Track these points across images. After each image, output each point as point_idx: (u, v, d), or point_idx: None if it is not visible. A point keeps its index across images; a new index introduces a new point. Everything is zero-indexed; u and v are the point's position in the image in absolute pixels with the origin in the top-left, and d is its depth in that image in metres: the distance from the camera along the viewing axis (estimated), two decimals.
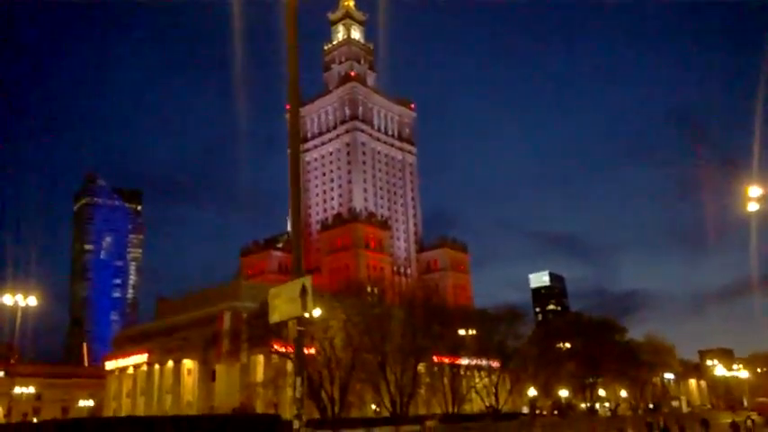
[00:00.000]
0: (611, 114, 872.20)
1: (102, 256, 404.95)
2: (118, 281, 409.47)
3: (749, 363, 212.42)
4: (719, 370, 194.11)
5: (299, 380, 12.99)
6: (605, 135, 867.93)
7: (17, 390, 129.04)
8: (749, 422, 64.54)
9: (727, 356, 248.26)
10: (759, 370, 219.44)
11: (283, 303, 13.86)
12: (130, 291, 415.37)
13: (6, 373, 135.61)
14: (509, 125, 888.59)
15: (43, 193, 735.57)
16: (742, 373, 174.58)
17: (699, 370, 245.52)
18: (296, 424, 12.79)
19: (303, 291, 13.36)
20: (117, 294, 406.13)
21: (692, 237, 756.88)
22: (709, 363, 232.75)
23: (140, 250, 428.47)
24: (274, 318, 14.19)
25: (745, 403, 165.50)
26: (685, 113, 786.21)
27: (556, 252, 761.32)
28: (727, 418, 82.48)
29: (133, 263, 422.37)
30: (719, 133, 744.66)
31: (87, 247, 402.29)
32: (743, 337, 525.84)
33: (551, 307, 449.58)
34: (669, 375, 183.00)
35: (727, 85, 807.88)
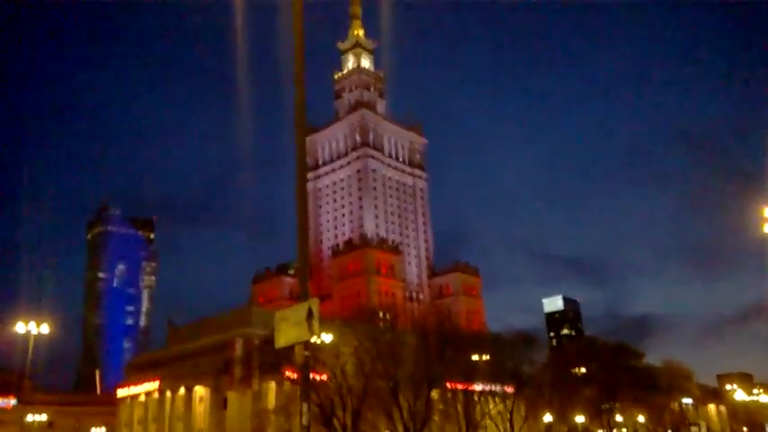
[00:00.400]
0: (625, 134, 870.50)
1: (115, 284, 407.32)
2: (131, 308, 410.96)
3: None
4: (740, 394, 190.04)
5: (305, 406, 12.81)
6: (619, 155, 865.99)
7: (29, 417, 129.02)
8: None
9: (747, 381, 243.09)
10: None
11: (289, 327, 13.72)
12: (143, 318, 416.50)
13: (19, 401, 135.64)
14: (520, 146, 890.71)
15: (56, 222, 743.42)
16: (763, 397, 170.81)
17: (717, 395, 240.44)
18: None
19: (309, 314, 13.28)
20: (130, 322, 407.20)
21: (708, 258, 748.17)
22: (728, 387, 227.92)
23: (153, 278, 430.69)
24: (280, 342, 14.05)
25: (767, 429, 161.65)
26: (700, 132, 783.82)
27: (568, 275, 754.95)
28: None
29: (146, 290, 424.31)
30: (735, 152, 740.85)
31: (101, 275, 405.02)
32: (762, 360, 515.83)
33: (565, 331, 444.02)
34: (687, 400, 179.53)
35: (743, 101, 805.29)
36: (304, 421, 12.45)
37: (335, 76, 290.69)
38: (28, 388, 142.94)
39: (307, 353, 13.28)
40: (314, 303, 13.28)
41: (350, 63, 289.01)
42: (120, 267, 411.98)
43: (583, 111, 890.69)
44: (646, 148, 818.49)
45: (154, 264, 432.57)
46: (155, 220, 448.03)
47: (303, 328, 13.24)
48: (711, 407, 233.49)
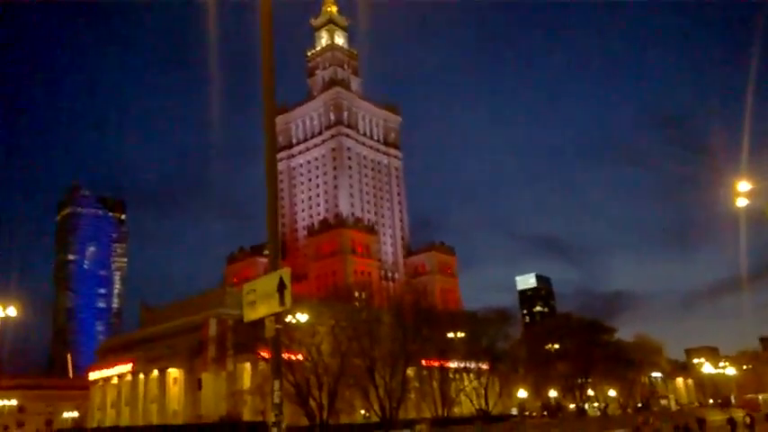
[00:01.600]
0: (596, 114, 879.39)
1: (85, 266, 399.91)
2: (102, 291, 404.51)
3: (735, 360, 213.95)
4: (707, 368, 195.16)
5: (276, 383, 11.90)
6: (590, 135, 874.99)
7: None
8: (747, 419, 64.27)
9: (713, 355, 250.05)
10: (745, 367, 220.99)
11: (259, 299, 12.78)
12: (115, 300, 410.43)
13: None
14: (494, 126, 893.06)
15: (26, 203, 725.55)
16: (729, 370, 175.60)
17: (686, 368, 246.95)
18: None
19: (281, 285, 12.23)
20: (102, 304, 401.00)
21: (678, 236, 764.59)
22: (695, 361, 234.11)
23: (125, 260, 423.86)
24: (250, 316, 13.02)
25: (733, 400, 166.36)
26: (671, 112, 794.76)
27: (542, 253, 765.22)
28: (717, 416, 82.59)
29: (117, 272, 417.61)
30: (709, 132, 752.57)
31: (71, 257, 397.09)
32: (728, 335, 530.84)
33: (538, 309, 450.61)
34: (657, 374, 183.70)
35: (712, 83, 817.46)
36: (275, 399, 11.61)
37: (308, 54, 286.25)
38: None
39: (278, 326, 12.38)
40: (285, 273, 12.33)
41: (323, 40, 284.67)
42: (91, 249, 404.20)
43: (559, 93, 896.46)
44: (620, 128, 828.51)
45: (125, 245, 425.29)
46: (125, 201, 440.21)
47: (274, 300, 12.30)
48: (680, 380, 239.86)
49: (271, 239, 12.92)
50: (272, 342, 12.27)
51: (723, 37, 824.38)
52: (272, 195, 13.28)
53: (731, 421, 63.04)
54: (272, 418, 11.64)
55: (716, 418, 69.28)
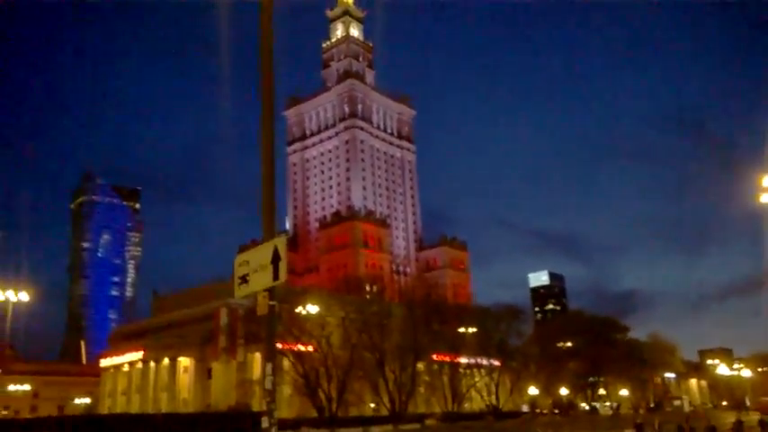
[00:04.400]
0: (611, 112, 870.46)
1: (100, 254, 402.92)
2: (116, 279, 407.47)
3: (750, 363, 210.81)
4: (722, 369, 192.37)
5: (269, 366, 10.81)
6: (605, 133, 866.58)
7: (12, 387, 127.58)
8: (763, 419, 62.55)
9: (727, 356, 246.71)
10: (760, 369, 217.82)
11: (252, 272, 11.77)
12: (129, 289, 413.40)
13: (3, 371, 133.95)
14: (509, 123, 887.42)
15: (41, 191, 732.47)
16: (744, 372, 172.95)
17: (699, 369, 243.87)
18: (265, 422, 10.34)
19: (275, 256, 11.20)
20: (115, 292, 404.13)
21: (692, 236, 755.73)
22: (709, 362, 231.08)
23: (139, 248, 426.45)
24: (241, 291, 12.01)
25: (748, 403, 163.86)
26: (687, 108, 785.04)
27: (554, 251, 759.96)
28: (730, 419, 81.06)
29: (131, 261, 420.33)
30: (725, 132, 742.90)
31: (85, 245, 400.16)
32: (742, 337, 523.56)
33: (550, 306, 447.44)
34: (670, 375, 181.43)
35: (728, 83, 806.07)
36: (267, 384, 10.60)
37: (323, 45, 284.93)
38: (9, 357, 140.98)
39: (272, 303, 11.34)
40: (280, 243, 11.28)
41: (338, 31, 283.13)
42: (105, 237, 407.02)
43: (574, 90, 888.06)
44: (635, 126, 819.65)
45: (139, 234, 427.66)
46: (140, 190, 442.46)
47: (267, 273, 11.28)
48: (693, 381, 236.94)
49: (266, 204, 11.92)
50: (266, 321, 11.24)
51: (742, 31, 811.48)
52: (268, 158, 12.30)
53: (738, 425, 61.20)
54: (263, 405, 10.63)
55: (730, 420, 67.76)
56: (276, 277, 11.00)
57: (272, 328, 11.36)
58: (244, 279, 11.84)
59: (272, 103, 12.95)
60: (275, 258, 11.02)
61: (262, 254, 11.39)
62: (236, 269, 11.98)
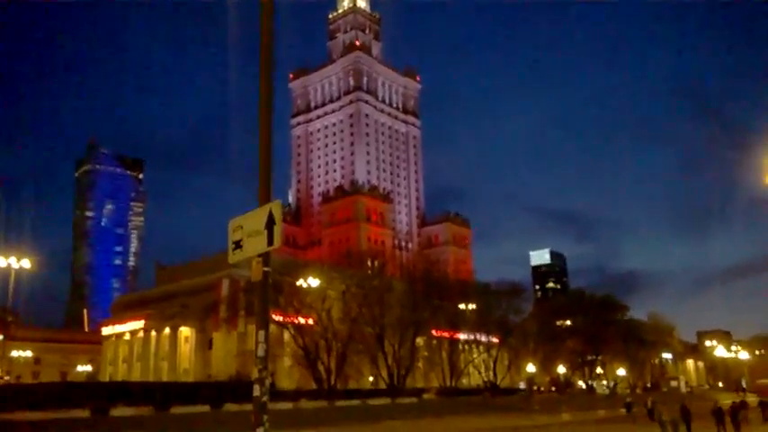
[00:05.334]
0: (616, 90, 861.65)
1: (103, 224, 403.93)
2: (119, 248, 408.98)
3: (748, 345, 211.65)
4: (719, 351, 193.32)
5: (261, 334, 10.51)
6: (610, 111, 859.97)
7: (14, 353, 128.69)
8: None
9: (726, 338, 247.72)
10: (758, 352, 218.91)
11: (246, 237, 11.39)
12: (132, 258, 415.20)
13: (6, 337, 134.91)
14: (513, 99, 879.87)
15: (44, 159, 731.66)
16: (742, 354, 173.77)
17: (697, 351, 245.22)
18: (257, 390, 10.20)
19: (270, 220, 10.65)
20: (118, 262, 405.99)
21: (696, 217, 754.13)
22: (707, 344, 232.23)
23: (142, 218, 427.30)
24: (234, 257, 11.68)
25: (744, 385, 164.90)
26: (691, 90, 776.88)
27: (557, 228, 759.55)
28: (728, 400, 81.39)
29: (135, 231, 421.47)
30: (732, 114, 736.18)
31: (88, 213, 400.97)
32: (741, 319, 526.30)
33: (551, 285, 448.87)
34: (667, 355, 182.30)
35: (741, 63, 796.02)
36: (259, 351, 10.28)
37: (330, 16, 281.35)
38: (11, 323, 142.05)
39: (266, 269, 11.02)
40: (275, 207, 10.86)
41: (345, 2, 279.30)
42: (109, 207, 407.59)
43: (582, 69, 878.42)
44: (642, 106, 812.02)
45: (143, 204, 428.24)
46: (144, 160, 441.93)
47: (262, 238, 10.90)
48: (690, 362, 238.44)
49: (262, 167, 11.50)
50: (259, 287, 10.91)
51: (755, 15, 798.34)
52: (266, 119, 11.82)
53: (742, 404, 60.91)
54: (255, 373, 10.35)
55: (727, 402, 68.06)
56: (271, 242, 10.59)
57: (266, 295, 11.04)
58: (238, 244, 11.45)
59: (272, 51, 12.42)
60: (270, 223, 10.61)
61: (256, 218, 10.98)
62: (230, 234, 11.58)
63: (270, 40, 12.40)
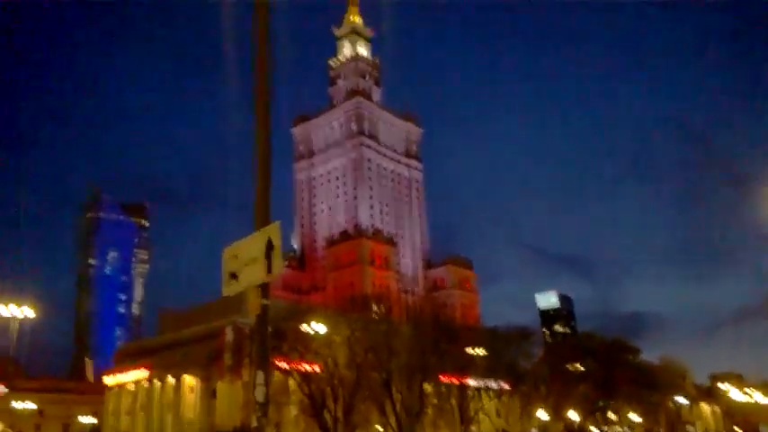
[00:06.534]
0: (618, 131, 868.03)
1: (107, 272, 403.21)
2: (123, 296, 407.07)
3: (763, 388, 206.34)
4: (734, 394, 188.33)
5: (261, 375, 9.74)
6: (618, 152, 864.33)
7: (17, 405, 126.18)
8: None
9: (739, 381, 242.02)
10: None
11: (242, 267, 10.51)
12: (136, 306, 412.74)
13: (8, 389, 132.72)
14: (518, 141, 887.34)
15: (47, 207, 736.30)
16: (757, 396, 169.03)
17: (711, 394, 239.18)
18: None
19: (269, 247, 9.76)
20: (122, 310, 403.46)
21: (704, 258, 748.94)
22: (721, 387, 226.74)
23: (146, 265, 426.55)
24: (230, 289, 10.81)
25: (762, 430, 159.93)
26: (694, 130, 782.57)
27: (562, 271, 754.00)
28: None
29: (139, 278, 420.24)
30: (735, 152, 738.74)
31: (92, 261, 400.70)
32: (752, 361, 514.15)
33: (559, 328, 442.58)
34: (682, 400, 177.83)
35: (735, 99, 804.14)
36: (258, 396, 9.58)
37: (330, 63, 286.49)
38: (12, 374, 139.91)
39: (265, 301, 10.16)
40: (274, 231, 10.07)
41: (345, 50, 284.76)
42: (113, 254, 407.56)
43: (583, 107, 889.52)
44: (645, 145, 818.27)
45: (147, 251, 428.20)
46: (147, 206, 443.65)
47: (260, 267, 10.01)
48: (705, 406, 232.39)
49: (260, 193, 10.91)
50: (258, 322, 10.12)
51: (746, 49, 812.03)
52: (265, 140, 11.43)
53: None
54: (254, 421, 9.66)
55: None
56: (270, 270, 9.78)
57: (265, 331, 10.24)
58: (233, 275, 10.62)
59: (268, 75, 12.14)
60: (269, 250, 9.79)
61: (253, 245, 10.05)
62: (225, 264, 10.72)
63: (266, 89, 12.21)
